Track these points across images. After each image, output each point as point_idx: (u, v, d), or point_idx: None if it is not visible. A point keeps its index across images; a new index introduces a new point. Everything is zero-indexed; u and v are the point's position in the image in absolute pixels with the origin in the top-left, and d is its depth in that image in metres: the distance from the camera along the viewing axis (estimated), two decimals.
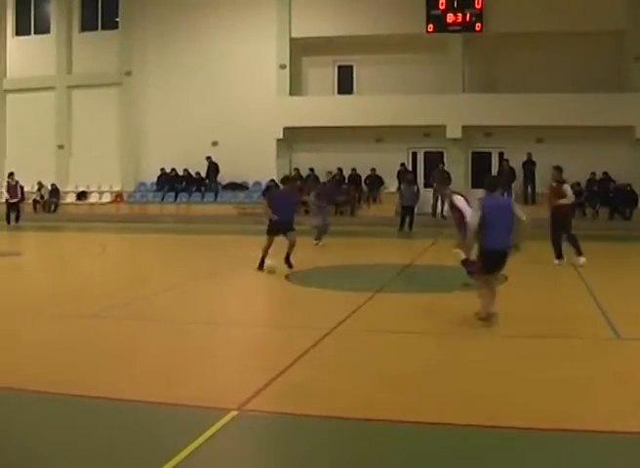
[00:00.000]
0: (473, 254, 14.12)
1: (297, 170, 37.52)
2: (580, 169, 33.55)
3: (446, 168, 35.64)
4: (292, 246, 17.64)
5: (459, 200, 15.21)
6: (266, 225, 17.81)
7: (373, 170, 36.45)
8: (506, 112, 34.75)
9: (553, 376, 9.03)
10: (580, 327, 11.93)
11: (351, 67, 38.79)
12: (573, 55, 35.28)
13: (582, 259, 18.39)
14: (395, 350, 10.45)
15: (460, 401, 8.12)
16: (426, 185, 36.26)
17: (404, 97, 36.15)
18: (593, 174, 34.17)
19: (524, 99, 34.60)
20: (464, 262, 14.64)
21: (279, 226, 17.47)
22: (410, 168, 36.70)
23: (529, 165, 35.11)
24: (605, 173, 34.28)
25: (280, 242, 17.64)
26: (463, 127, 36.02)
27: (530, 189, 35.17)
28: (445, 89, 36.60)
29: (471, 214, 11.77)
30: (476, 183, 35.74)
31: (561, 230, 18.74)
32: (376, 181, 36.76)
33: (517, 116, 34.58)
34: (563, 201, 18.69)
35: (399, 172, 35.23)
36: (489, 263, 11.66)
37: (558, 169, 19.38)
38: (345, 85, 38.93)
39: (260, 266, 17.39)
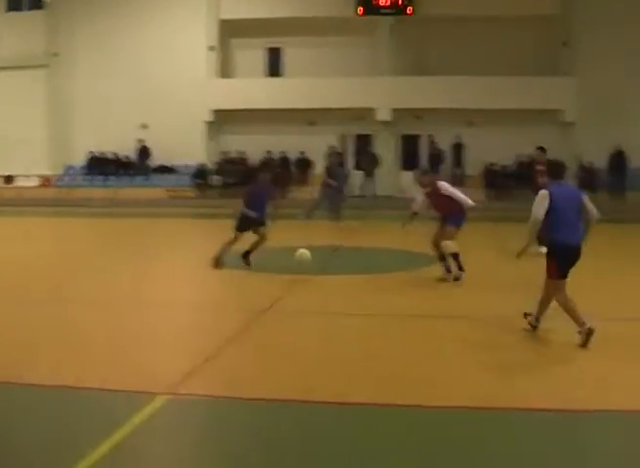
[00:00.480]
0: (454, 247, 14.03)
1: (225, 153, 37.38)
2: (508, 151, 34.02)
3: (376, 151, 35.84)
4: (263, 240, 16.00)
5: (444, 186, 14.42)
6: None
7: (302, 153, 36.40)
8: (436, 95, 34.89)
9: (487, 357, 9.19)
10: (514, 308, 12.09)
11: (281, 50, 38.64)
12: (502, 38, 35.48)
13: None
14: (326, 332, 10.49)
15: (391, 381, 8.18)
16: (357, 168, 36.34)
17: (334, 80, 36.13)
18: (521, 156, 34.48)
19: (454, 82, 34.78)
20: (455, 256, 14.26)
21: (252, 223, 15.80)
22: (340, 150, 36.71)
23: (458, 148, 35.39)
24: (532, 155, 34.58)
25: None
26: (394, 110, 36.14)
27: (459, 172, 35.48)
28: (375, 72, 36.64)
29: (536, 205, 9.95)
30: (406, 166, 35.99)
31: None
32: (305, 164, 36.72)
33: (447, 99, 34.74)
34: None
35: (329, 155, 35.12)
36: (562, 262, 9.98)
37: (543, 150, 18.79)
38: (275, 67, 38.78)
39: (217, 263, 15.78)
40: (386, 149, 36.44)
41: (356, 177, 34.94)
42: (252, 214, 15.67)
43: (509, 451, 6.48)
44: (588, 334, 9.50)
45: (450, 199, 14.33)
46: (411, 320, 11.26)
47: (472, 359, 9.10)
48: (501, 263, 16.15)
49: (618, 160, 33.40)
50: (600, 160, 33.67)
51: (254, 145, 36.55)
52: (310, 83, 36.31)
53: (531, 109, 34.41)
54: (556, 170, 10.41)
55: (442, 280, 14.29)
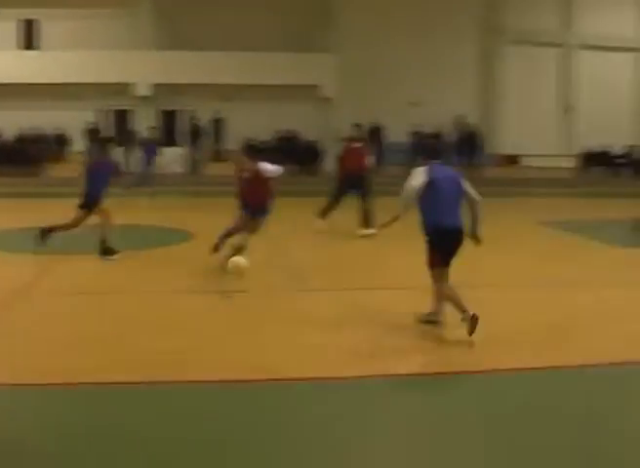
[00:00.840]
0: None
1: None
2: (268, 126, 34.39)
3: (136, 126, 35.38)
4: (107, 226, 14.53)
5: (267, 168, 12.96)
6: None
7: (59, 128, 35.38)
8: (197, 70, 34.79)
9: (243, 329, 9.47)
10: (268, 280, 12.30)
11: (37, 21, 37.30)
12: (263, 14, 35.75)
13: (371, 230, 16.85)
14: (82, 311, 10.41)
15: (150, 357, 8.20)
16: (118, 144, 35.70)
17: (93, 54, 35.25)
18: (281, 131, 35.01)
19: (215, 58, 34.84)
20: (216, 247, 13.23)
21: (96, 202, 14.39)
22: (99, 126, 36.01)
23: (217, 123, 35.52)
24: (291, 130, 35.18)
25: None
26: (154, 85, 35.77)
27: (219, 147, 35.68)
28: (135, 45, 36.01)
29: (414, 180, 9.11)
30: (166, 142, 35.73)
31: (346, 193, 17.45)
32: (62, 141, 35.74)
33: (208, 74, 34.72)
34: (368, 162, 17.48)
35: (87, 130, 34.41)
36: (444, 248, 9.22)
37: (359, 126, 18.36)
38: (31, 40, 37.43)
39: (46, 234, 14.35)
40: (146, 125, 36.00)
41: (117, 154, 34.32)
42: (93, 191, 14.28)
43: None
44: (472, 321, 8.84)
45: (267, 184, 13.10)
46: (172, 296, 11.28)
47: (224, 332, 9.28)
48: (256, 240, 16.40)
49: (374, 135, 34.39)
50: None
51: (8, 121, 35.17)
52: (68, 57, 35.25)
53: (290, 85, 34.96)
54: (432, 149, 9.81)
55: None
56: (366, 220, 17.24)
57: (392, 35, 35.99)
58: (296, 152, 34.57)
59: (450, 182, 9.25)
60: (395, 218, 9.30)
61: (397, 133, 34.22)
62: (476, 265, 13.03)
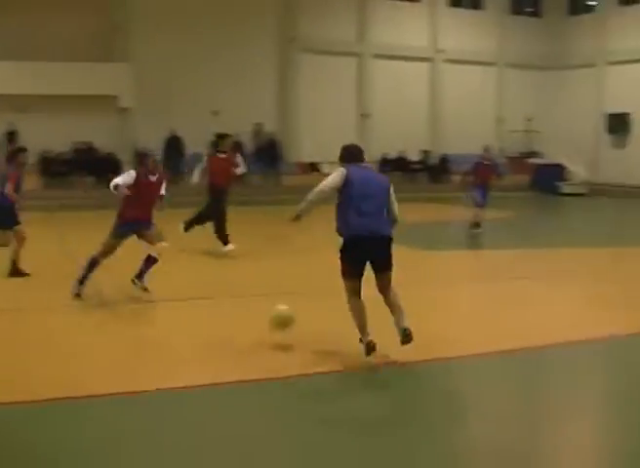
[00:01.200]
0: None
1: None
2: (65, 138, 33.58)
3: None
4: (23, 240, 13.80)
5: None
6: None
7: None
8: None
9: (73, 346, 9.44)
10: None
11: None
12: (55, 23, 34.77)
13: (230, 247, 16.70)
14: None
15: None
16: None
17: None
18: (77, 142, 34.24)
19: (5, 67, 33.63)
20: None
21: (9, 216, 13.58)
22: None
23: (11, 135, 34.37)
24: (87, 141, 34.44)
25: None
26: None
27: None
28: None
29: (326, 181, 8.69)
30: None
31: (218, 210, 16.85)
32: None
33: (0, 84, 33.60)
34: (238, 171, 17.21)
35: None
36: (357, 256, 8.52)
37: (227, 136, 17.57)
38: None
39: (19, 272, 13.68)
40: None
41: None
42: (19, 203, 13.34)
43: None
44: (369, 348, 8.54)
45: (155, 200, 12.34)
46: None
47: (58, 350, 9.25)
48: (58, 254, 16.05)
49: (173, 145, 34.17)
50: (158, 145, 34.41)
51: None
52: None
53: (88, 95, 34.25)
54: (349, 152, 8.99)
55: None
56: (192, 222, 17.33)
57: (190, 43, 35.87)
58: (92, 164, 33.86)
59: (372, 186, 8.68)
60: (300, 214, 8.84)
61: (197, 143, 34.04)
62: (284, 274, 13.27)
